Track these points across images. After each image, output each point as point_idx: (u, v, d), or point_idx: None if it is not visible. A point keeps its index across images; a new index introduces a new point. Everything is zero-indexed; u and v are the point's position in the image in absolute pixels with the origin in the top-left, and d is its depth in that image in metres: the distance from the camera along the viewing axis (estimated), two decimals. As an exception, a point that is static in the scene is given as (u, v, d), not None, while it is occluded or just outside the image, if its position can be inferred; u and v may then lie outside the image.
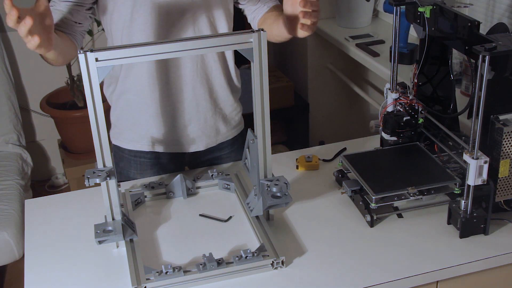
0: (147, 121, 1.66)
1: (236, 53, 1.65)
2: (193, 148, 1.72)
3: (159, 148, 1.71)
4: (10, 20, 1.16)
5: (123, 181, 1.70)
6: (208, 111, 1.69)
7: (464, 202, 1.36)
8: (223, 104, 1.72)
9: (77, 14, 1.52)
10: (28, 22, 1.17)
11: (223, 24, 1.62)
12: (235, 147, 1.80)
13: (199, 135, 1.71)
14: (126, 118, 1.69)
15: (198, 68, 1.62)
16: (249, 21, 1.75)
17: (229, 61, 1.69)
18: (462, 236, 1.38)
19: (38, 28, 1.24)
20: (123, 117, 1.69)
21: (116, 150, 1.74)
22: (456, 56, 2.06)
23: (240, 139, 1.81)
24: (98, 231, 1.33)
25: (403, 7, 1.55)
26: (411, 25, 1.60)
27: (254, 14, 1.71)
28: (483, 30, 1.38)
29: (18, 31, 1.18)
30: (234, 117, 1.77)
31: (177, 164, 1.76)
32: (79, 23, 1.53)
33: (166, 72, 1.61)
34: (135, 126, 1.68)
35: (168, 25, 1.55)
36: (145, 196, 1.59)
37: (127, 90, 1.64)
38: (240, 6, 1.73)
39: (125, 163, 1.73)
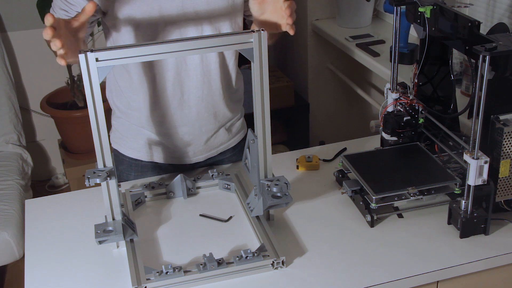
0: (148, 138, 1.66)
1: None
2: (193, 161, 1.73)
3: (160, 160, 1.71)
4: (46, 34, 1.19)
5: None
6: (211, 131, 1.68)
7: (465, 202, 1.36)
8: (226, 121, 1.71)
9: None
10: (57, 44, 1.20)
11: None
12: (236, 150, 1.79)
13: (200, 151, 1.71)
14: (127, 128, 1.68)
15: (204, 94, 1.60)
16: None
17: (232, 77, 1.66)
18: (462, 236, 1.38)
19: (69, 40, 1.26)
20: (124, 127, 1.69)
21: (116, 154, 1.74)
22: (456, 56, 2.06)
23: (241, 143, 1.80)
24: (98, 231, 1.33)
25: (403, 7, 1.55)
26: (411, 25, 1.60)
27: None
28: (483, 30, 1.38)
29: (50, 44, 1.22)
30: (237, 126, 1.76)
31: (177, 170, 1.75)
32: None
33: (170, 97, 1.58)
34: (135, 138, 1.68)
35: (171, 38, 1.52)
36: (145, 196, 1.59)
37: (131, 108, 1.63)
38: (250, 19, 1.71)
39: (125, 166, 1.73)
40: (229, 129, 1.74)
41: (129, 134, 1.69)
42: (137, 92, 1.59)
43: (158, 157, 1.70)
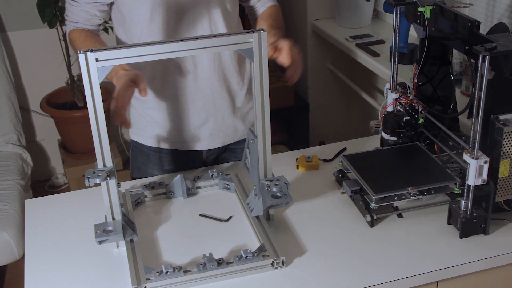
0: (165, 120, 1.69)
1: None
2: (210, 145, 1.75)
3: (178, 146, 1.73)
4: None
5: (142, 177, 1.72)
6: (225, 109, 1.70)
7: (464, 202, 1.36)
8: (240, 104, 1.73)
9: (100, 12, 1.62)
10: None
11: (220, 23, 1.63)
12: None
13: (216, 133, 1.73)
14: (144, 115, 1.71)
15: (216, 65, 1.63)
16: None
17: (246, 60, 1.70)
18: (462, 236, 1.38)
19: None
20: (141, 114, 1.71)
21: (135, 145, 1.76)
22: (456, 56, 2.06)
23: None
24: (98, 231, 1.33)
25: (403, 7, 1.55)
26: (411, 25, 1.60)
27: (251, 15, 1.73)
28: (483, 30, 1.38)
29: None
30: (252, 117, 1.77)
31: (195, 160, 1.77)
32: (103, 19, 1.65)
33: (182, 71, 1.62)
34: (153, 124, 1.71)
35: (173, 22, 1.57)
36: (145, 196, 1.59)
37: (148, 91, 1.65)
38: (243, 4, 1.74)
39: (144, 157, 1.75)
40: (246, 119, 1.77)
41: (146, 123, 1.71)
42: (151, 73, 1.62)
43: (176, 144, 1.72)
